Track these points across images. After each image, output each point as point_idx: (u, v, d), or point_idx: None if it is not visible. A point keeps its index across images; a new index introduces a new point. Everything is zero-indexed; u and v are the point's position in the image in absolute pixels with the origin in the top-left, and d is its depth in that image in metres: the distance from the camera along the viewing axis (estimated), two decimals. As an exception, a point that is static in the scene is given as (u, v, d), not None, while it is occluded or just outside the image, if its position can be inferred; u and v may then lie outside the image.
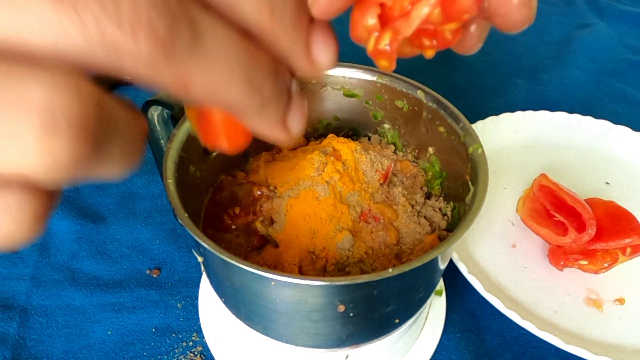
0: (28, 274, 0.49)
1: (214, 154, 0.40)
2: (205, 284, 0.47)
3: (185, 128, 0.35)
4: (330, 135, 0.42)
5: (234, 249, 0.37)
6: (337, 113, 0.45)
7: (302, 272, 0.34)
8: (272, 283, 0.28)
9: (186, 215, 0.29)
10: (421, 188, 0.42)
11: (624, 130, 0.64)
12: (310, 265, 0.35)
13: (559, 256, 0.50)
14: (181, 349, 0.44)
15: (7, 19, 0.12)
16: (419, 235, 0.37)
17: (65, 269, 0.49)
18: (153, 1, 0.13)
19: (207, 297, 0.46)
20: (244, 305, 0.33)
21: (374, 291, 0.29)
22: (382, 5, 0.20)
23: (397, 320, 0.35)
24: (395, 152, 0.44)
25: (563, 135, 0.66)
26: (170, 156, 0.33)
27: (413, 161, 0.43)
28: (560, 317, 0.46)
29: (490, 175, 0.34)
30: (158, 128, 0.37)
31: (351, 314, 0.30)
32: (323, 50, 0.18)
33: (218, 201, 0.40)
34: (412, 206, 0.39)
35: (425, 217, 0.39)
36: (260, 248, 0.37)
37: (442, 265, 0.35)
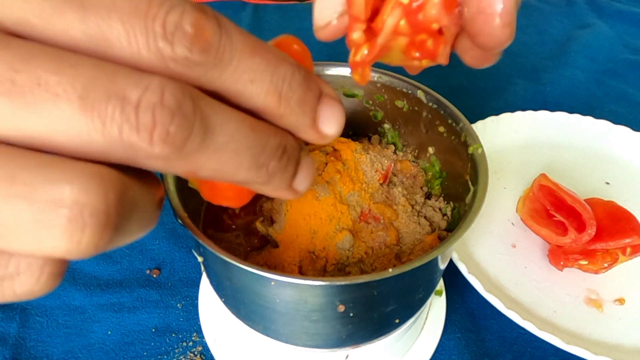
0: (28, 274, 0.49)
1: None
2: (205, 284, 0.47)
3: None
4: (330, 135, 0.42)
5: (234, 249, 0.37)
6: (337, 113, 0.45)
7: (302, 272, 0.34)
8: (272, 283, 0.28)
9: (186, 215, 0.29)
10: (421, 188, 0.42)
11: (624, 130, 0.64)
12: (310, 265, 0.35)
13: (559, 256, 0.50)
14: (181, 349, 0.44)
15: (39, 122, 0.14)
16: (419, 235, 0.37)
17: (65, 268, 0.49)
18: (170, 108, 0.14)
19: (207, 297, 0.46)
20: (244, 305, 0.33)
21: (374, 291, 0.29)
22: (368, 21, 0.22)
23: (397, 320, 0.35)
24: (395, 152, 0.44)
25: (563, 135, 0.65)
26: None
27: (413, 161, 0.43)
28: (560, 317, 0.46)
29: (490, 175, 0.34)
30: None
31: (351, 314, 0.30)
32: (329, 122, 0.19)
33: (218, 201, 0.40)
34: (412, 206, 0.39)
35: (425, 217, 0.39)
36: (260, 248, 0.38)
37: (442, 265, 0.35)
